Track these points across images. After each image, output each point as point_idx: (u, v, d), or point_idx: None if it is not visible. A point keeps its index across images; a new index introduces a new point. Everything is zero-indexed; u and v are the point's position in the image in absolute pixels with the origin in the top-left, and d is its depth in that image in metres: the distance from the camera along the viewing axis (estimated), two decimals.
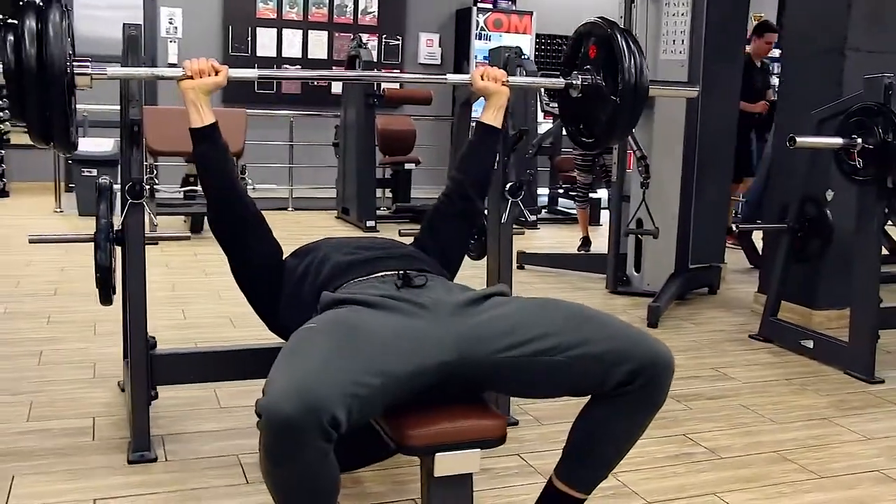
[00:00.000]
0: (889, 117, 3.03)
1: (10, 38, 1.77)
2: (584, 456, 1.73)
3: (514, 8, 9.34)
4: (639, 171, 4.24)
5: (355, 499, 2.12)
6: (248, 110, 5.84)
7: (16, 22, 1.79)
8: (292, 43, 8.52)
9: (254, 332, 3.11)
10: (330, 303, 1.74)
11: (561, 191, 8.07)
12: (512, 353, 1.63)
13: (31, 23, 1.78)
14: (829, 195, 3.71)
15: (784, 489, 2.29)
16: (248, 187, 5.25)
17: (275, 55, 8.45)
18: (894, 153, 3.01)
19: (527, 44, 9.13)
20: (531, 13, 9.27)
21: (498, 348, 1.63)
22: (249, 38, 8.34)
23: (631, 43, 2.18)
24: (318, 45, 8.62)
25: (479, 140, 2.24)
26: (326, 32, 8.68)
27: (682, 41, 4.34)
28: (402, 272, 1.82)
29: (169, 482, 2.17)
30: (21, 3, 1.80)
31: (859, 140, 3.07)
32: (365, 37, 8.13)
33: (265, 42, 8.43)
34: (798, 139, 3.05)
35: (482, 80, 2.20)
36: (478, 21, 8.99)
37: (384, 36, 8.77)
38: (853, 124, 3.13)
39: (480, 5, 9.12)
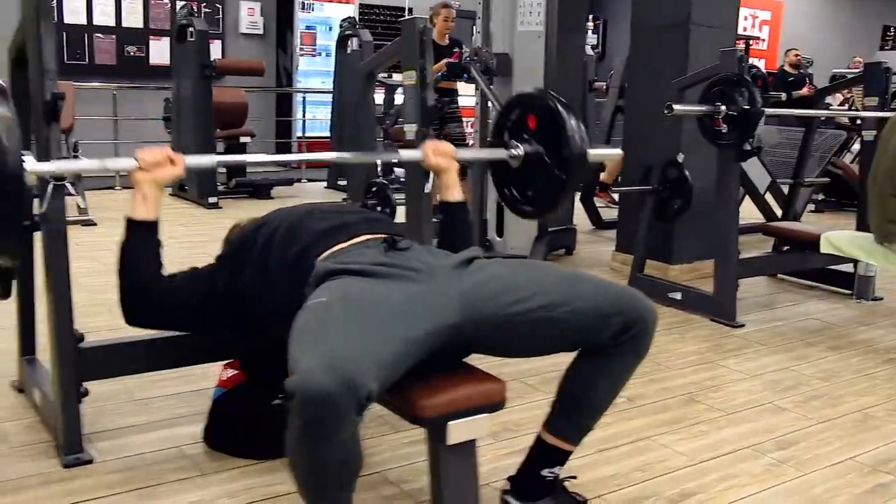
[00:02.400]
0: (747, 86, 3.34)
1: None
2: (576, 409, 1.82)
3: None
4: None
5: None
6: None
7: None
8: (103, 10, 7.92)
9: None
10: (325, 273, 1.69)
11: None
12: (512, 310, 1.67)
13: None
14: (681, 158, 4.04)
15: (703, 427, 2.52)
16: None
17: (85, 22, 7.82)
18: (754, 118, 3.33)
19: (350, 13, 9.03)
20: None
21: (498, 306, 1.67)
22: (55, 3, 7.65)
23: (574, 116, 2.17)
24: (133, 11, 8.07)
25: (454, 219, 2.16)
26: None
27: (539, 13, 4.50)
28: (387, 236, 1.82)
29: (118, 483, 2.03)
30: None
31: (723, 107, 3.36)
32: (180, 3, 7.71)
33: (74, 7, 7.77)
34: (675, 107, 3.29)
35: (434, 156, 2.13)
36: None
37: (203, 4, 8.35)
38: (716, 93, 3.42)
39: None
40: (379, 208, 3.03)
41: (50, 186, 1.99)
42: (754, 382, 2.94)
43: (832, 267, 4.21)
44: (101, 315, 2.92)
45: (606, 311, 1.68)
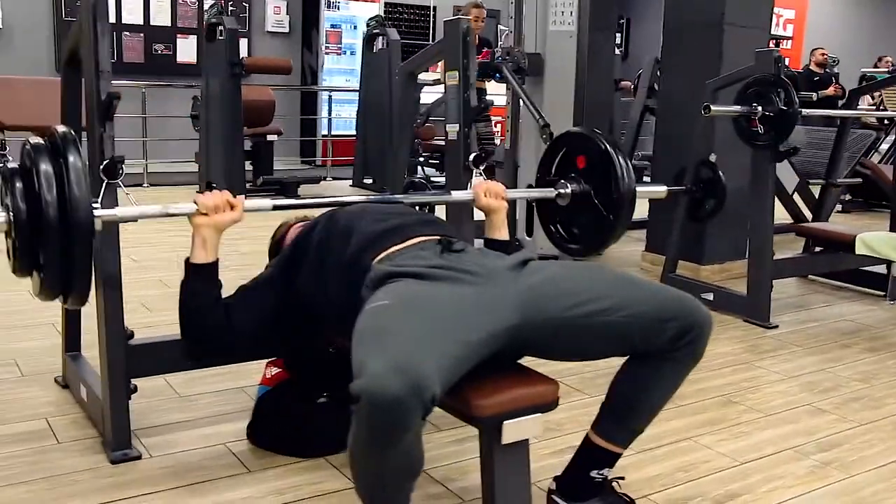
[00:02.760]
0: (785, 87, 3.33)
1: (20, 184, 1.61)
2: (628, 413, 1.82)
3: None
4: (542, 139, 4.37)
5: None
6: None
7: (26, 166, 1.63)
8: (131, 9, 7.99)
9: (172, 316, 3.03)
10: (383, 276, 1.70)
11: (421, 159, 8.16)
12: (571, 313, 1.68)
13: (47, 167, 1.61)
14: (713, 158, 4.02)
15: (744, 428, 2.52)
16: None
17: (113, 21, 7.88)
18: (791, 119, 3.31)
19: (376, 12, 9.05)
20: None
21: (558, 309, 1.68)
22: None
23: (622, 156, 2.23)
24: (161, 10, 8.14)
25: None
26: None
27: (571, 13, 4.50)
28: (441, 238, 1.83)
29: (165, 478, 2.05)
30: (31, 146, 1.65)
31: (760, 108, 3.35)
32: (208, 2, 7.78)
33: None
34: (712, 107, 3.28)
35: (485, 196, 2.16)
36: None
37: (230, 2, 8.40)
38: (752, 94, 3.41)
39: None
40: (417, 208, 3.04)
41: (103, 185, 2.02)
42: (791, 384, 2.93)
43: (864, 268, 4.19)
44: (136, 312, 2.95)
45: (664, 317, 1.68)
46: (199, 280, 1.91)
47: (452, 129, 2.63)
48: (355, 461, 1.49)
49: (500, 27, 8.10)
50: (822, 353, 3.28)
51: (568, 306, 1.69)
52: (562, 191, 2.24)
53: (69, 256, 1.63)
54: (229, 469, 2.12)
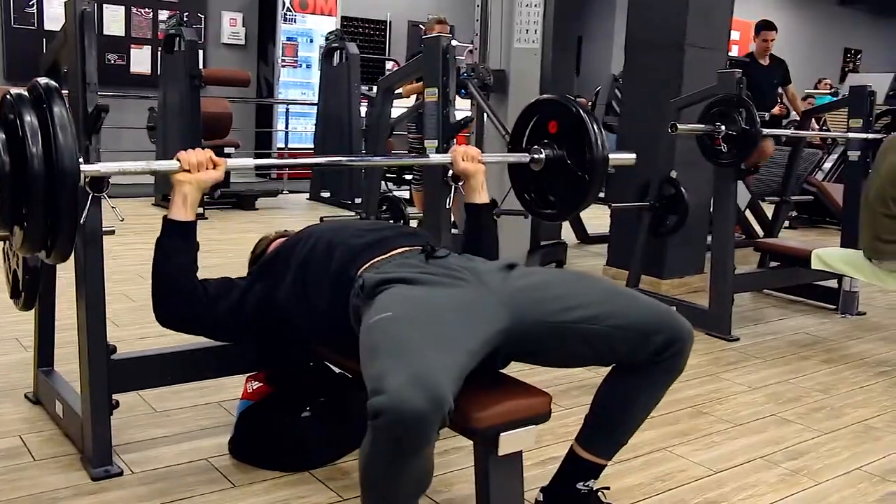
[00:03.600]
0: (747, 107, 3.44)
1: (2, 136, 1.57)
2: (612, 425, 1.87)
3: None
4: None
5: (351, 489, 2.12)
6: None
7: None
8: None
9: (138, 331, 2.98)
10: (375, 284, 1.71)
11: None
12: (558, 318, 1.71)
13: (31, 118, 1.58)
14: (674, 174, 4.13)
15: (715, 438, 2.59)
16: None
17: None
18: (753, 139, 3.43)
19: (332, 26, 9.07)
20: None
21: (545, 313, 1.71)
22: (35, 9, 7.57)
23: (595, 122, 2.27)
24: (114, 20, 8.02)
25: (480, 222, 2.23)
26: (123, 7, 8.08)
27: (536, 31, 4.58)
28: (423, 247, 1.86)
29: (150, 495, 2.03)
30: (13, 97, 1.60)
31: (723, 127, 3.46)
32: (164, 14, 7.70)
33: (54, 13, 7.68)
34: (679, 126, 3.38)
35: (463, 160, 2.21)
36: (284, 1, 8.79)
37: (185, 13, 8.32)
38: (715, 113, 3.52)
39: None
40: (391, 222, 3.07)
41: (89, 197, 2.00)
42: (757, 395, 3.02)
43: (817, 282, 4.34)
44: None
45: (650, 329, 1.73)
46: (176, 237, 1.89)
47: (431, 144, 2.66)
48: (369, 477, 1.48)
49: (455, 42, 8.18)
50: (783, 365, 3.39)
51: (555, 311, 1.72)
52: (535, 156, 2.28)
53: (54, 208, 1.59)
54: (214, 484, 2.10)
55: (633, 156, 2.38)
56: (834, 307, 4.38)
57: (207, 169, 1.89)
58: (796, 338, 3.85)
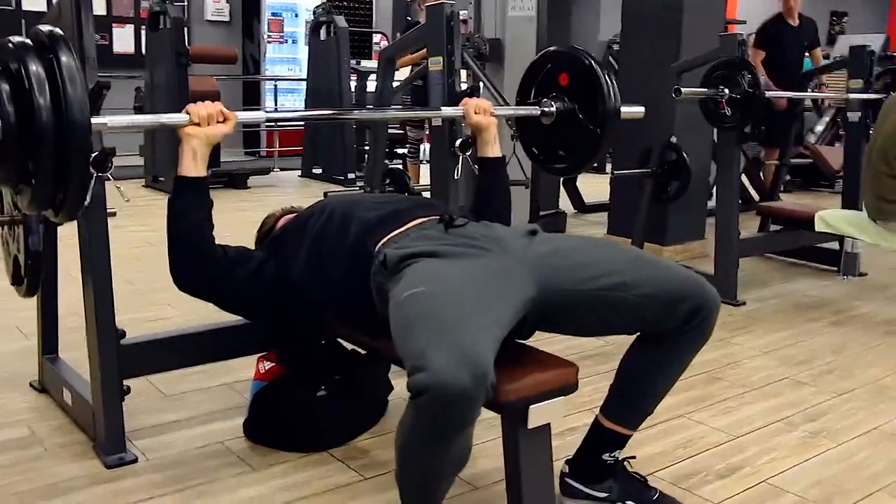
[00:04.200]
0: (750, 70, 3.40)
1: (6, 86, 1.48)
2: (639, 395, 1.84)
3: None
4: (508, 124, 4.38)
5: (372, 468, 2.09)
6: None
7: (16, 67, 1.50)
8: None
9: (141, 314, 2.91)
10: (398, 260, 1.67)
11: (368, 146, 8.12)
12: (585, 287, 1.67)
13: (37, 68, 1.50)
14: (674, 139, 4.09)
15: (731, 403, 2.57)
16: None
17: (45, 9, 7.58)
18: (757, 102, 3.39)
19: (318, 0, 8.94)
20: None
21: (571, 282, 1.67)
22: None
23: (607, 73, 2.21)
24: None
25: (493, 175, 2.19)
26: None
27: None
28: (441, 216, 1.81)
29: (167, 482, 1.99)
30: (15, 45, 1.51)
31: (727, 90, 3.41)
32: None
33: None
34: (683, 90, 3.33)
35: (475, 114, 2.17)
36: None
37: None
38: (718, 77, 3.47)
39: None
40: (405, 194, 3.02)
41: (93, 177, 1.94)
42: (768, 359, 3.00)
43: (818, 245, 4.32)
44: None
45: (676, 298, 1.69)
46: (188, 194, 1.84)
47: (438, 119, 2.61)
48: (410, 456, 1.45)
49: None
50: (792, 328, 3.38)
51: (581, 279, 1.68)
52: (546, 109, 2.23)
53: (64, 162, 1.53)
54: (232, 468, 2.07)
55: (643, 109, 2.33)
56: (836, 269, 4.37)
57: (217, 122, 1.83)
58: (802, 300, 3.84)
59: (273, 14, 8.92)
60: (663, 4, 4.31)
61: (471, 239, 1.73)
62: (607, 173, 8.47)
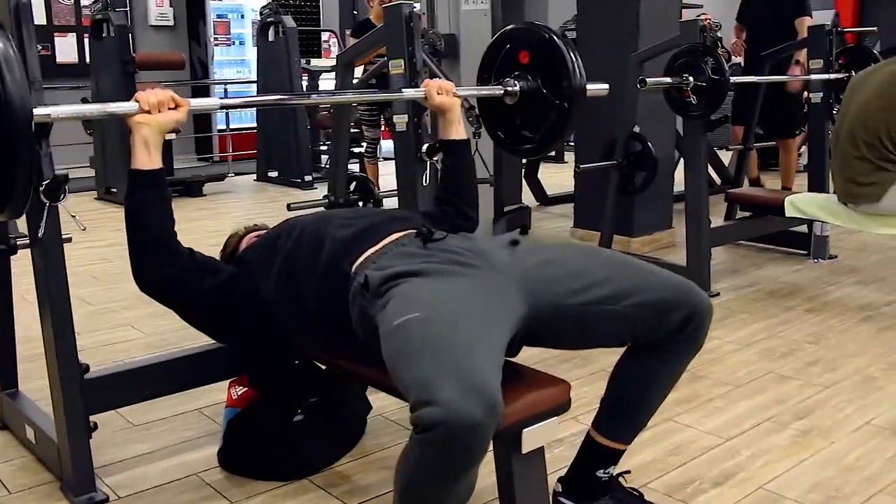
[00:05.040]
0: (715, 56, 3.36)
1: None
2: (632, 410, 1.76)
3: None
4: (469, 120, 4.29)
5: (355, 494, 2.00)
6: None
7: None
8: None
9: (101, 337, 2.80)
10: (381, 282, 1.57)
11: (324, 147, 7.97)
12: (574, 300, 1.60)
13: None
14: (637, 129, 4.04)
15: (718, 403, 2.53)
16: None
17: None
18: (722, 89, 3.35)
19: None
20: None
21: (560, 295, 1.60)
22: None
23: (572, 49, 2.15)
24: (35, 7, 7.57)
25: (458, 158, 2.14)
26: None
27: None
28: (418, 231, 1.73)
29: None
30: None
31: (691, 79, 3.37)
32: None
33: None
34: (648, 80, 3.28)
35: (437, 94, 2.11)
36: None
37: None
38: (682, 65, 3.43)
39: None
40: (361, 203, 2.92)
41: (46, 207, 1.82)
42: (749, 352, 2.97)
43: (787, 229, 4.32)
44: None
45: (669, 306, 1.62)
46: (145, 189, 1.73)
47: (401, 119, 2.50)
48: (415, 493, 1.35)
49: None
50: (768, 318, 3.35)
51: (571, 292, 1.61)
52: (509, 88, 2.17)
53: (7, 156, 1.43)
54: (208, 502, 1.97)
55: (607, 86, 2.28)
56: (805, 252, 4.37)
57: (169, 109, 1.72)
58: (775, 287, 3.82)
59: (218, 16, 8.72)
60: None
61: (453, 254, 1.64)
62: (566, 162, 8.54)
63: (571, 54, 2.11)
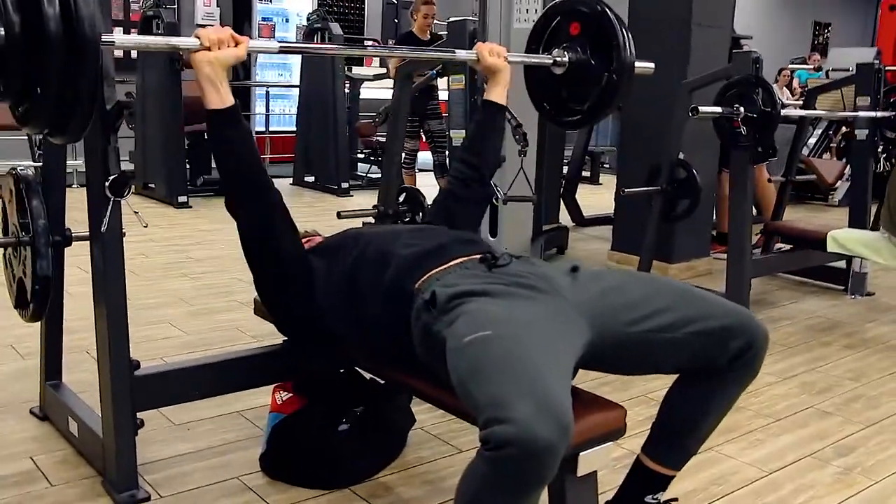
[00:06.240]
0: (767, 89, 3.34)
1: None
2: (686, 435, 1.76)
3: None
4: (515, 139, 4.29)
5: None
6: None
7: None
8: None
9: (138, 333, 2.82)
10: (448, 299, 1.57)
11: (361, 155, 8.01)
12: (637, 328, 1.60)
13: None
14: (681, 156, 4.02)
15: (759, 435, 2.50)
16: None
17: None
18: (773, 121, 3.33)
19: (309, 5, 8.83)
20: None
21: (622, 323, 1.60)
22: None
23: (623, 24, 2.16)
24: None
25: (490, 119, 2.17)
26: None
27: (535, 10, 4.42)
28: (486, 255, 1.73)
29: None
30: None
31: (742, 109, 3.35)
32: None
33: None
34: (700, 109, 3.27)
35: (490, 56, 2.12)
36: None
37: None
38: (733, 95, 3.41)
39: None
40: (409, 215, 2.93)
41: (110, 202, 1.85)
42: (790, 385, 2.94)
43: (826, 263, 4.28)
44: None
45: (727, 335, 1.62)
46: (225, 128, 1.77)
47: (458, 134, 2.53)
48: None
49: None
50: (808, 352, 3.32)
51: (633, 320, 1.61)
52: (558, 59, 2.17)
53: (72, 76, 1.43)
54: None
55: (653, 65, 2.27)
56: (842, 288, 4.33)
57: (229, 46, 1.74)
58: (813, 322, 3.79)
59: (264, 19, 8.80)
60: (672, 19, 4.25)
61: (518, 277, 1.64)
62: (601, 184, 8.53)
63: (622, 29, 2.12)
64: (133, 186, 1.87)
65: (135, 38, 1.77)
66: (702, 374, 1.69)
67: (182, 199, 5.94)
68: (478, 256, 1.75)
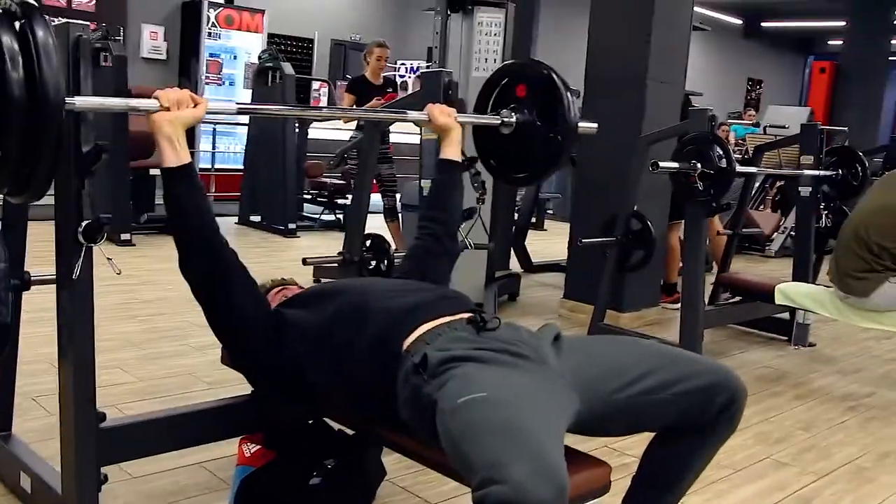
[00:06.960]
0: (722, 146, 3.45)
1: None
2: (666, 487, 1.78)
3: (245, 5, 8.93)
4: (474, 186, 4.33)
5: None
6: None
7: None
8: None
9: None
10: (439, 363, 1.57)
11: (308, 196, 7.96)
12: (624, 394, 1.63)
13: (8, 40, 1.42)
14: (635, 208, 4.12)
15: (721, 486, 2.54)
16: None
17: None
18: (729, 177, 3.44)
19: (258, 43, 8.81)
20: (263, 11, 8.95)
21: (607, 391, 1.63)
22: None
23: (567, 87, 2.21)
24: None
25: (450, 177, 2.23)
26: None
27: (495, 59, 4.52)
28: (475, 317, 1.73)
29: None
30: None
31: (699, 165, 3.45)
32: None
33: None
34: (661, 164, 3.35)
35: (441, 116, 2.18)
36: (209, 16, 8.47)
37: (104, 24, 7.90)
38: (690, 151, 3.51)
39: None
40: (374, 262, 2.92)
41: (82, 250, 1.79)
42: (746, 435, 2.99)
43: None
44: (47, 374, 2.65)
45: (709, 392, 1.66)
46: (179, 184, 1.75)
47: (427, 184, 2.54)
48: None
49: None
50: (759, 403, 3.39)
51: (619, 387, 1.64)
52: (505, 119, 2.22)
53: (33, 142, 1.45)
54: None
55: (596, 125, 2.33)
56: (786, 338, 4.46)
57: (188, 107, 1.75)
58: (762, 372, 3.88)
59: (211, 55, 8.74)
60: (628, 75, 4.38)
61: (507, 344, 1.64)
62: (545, 230, 8.64)
63: (567, 91, 2.18)
64: (105, 234, 1.81)
65: (98, 101, 1.75)
66: (687, 430, 1.72)
67: (125, 236, 5.81)
68: (466, 317, 1.75)
